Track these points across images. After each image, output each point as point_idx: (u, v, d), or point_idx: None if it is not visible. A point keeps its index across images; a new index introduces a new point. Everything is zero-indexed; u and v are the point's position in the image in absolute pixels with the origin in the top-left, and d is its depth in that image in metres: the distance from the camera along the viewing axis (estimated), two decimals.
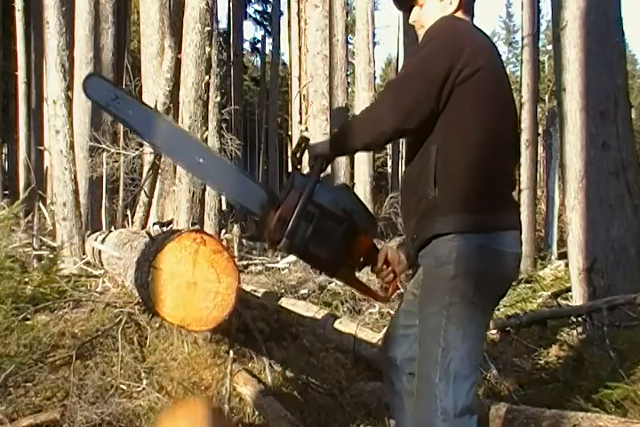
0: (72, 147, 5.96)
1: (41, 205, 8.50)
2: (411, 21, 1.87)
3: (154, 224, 7.21)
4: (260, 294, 4.92)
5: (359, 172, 12.04)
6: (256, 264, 9.23)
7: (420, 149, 1.70)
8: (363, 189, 12.01)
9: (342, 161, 9.09)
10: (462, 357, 1.63)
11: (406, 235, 1.80)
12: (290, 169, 1.87)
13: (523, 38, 12.95)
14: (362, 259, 1.86)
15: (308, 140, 1.82)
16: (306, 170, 1.80)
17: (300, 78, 11.11)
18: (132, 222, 7.40)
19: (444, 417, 1.63)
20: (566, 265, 6.27)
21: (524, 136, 12.38)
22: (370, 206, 11.75)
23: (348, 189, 1.94)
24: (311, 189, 1.71)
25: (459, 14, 1.78)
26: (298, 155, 1.82)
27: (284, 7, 22.93)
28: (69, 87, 6.21)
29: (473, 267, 1.61)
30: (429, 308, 1.66)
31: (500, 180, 1.68)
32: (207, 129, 5.43)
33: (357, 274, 1.94)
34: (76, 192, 5.95)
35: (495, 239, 1.62)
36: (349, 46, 15.87)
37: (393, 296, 1.96)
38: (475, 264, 1.61)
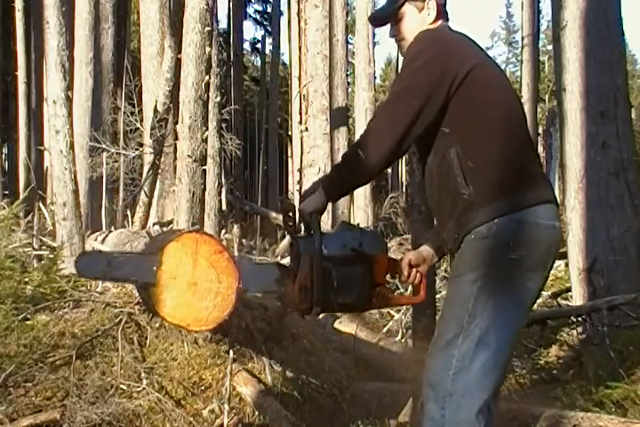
0: (72, 147, 5.94)
1: (41, 205, 8.50)
2: (390, 36, 1.90)
3: (154, 224, 7.22)
4: (260, 294, 4.91)
5: None
6: None
7: (437, 158, 1.72)
8: (363, 189, 12.00)
9: None
10: (488, 326, 1.60)
11: (447, 236, 1.79)
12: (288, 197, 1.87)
13: (523, 38, 12.98)
14: (387, 277, 1.86)
15: (293, 205, 1.82)
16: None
17: (299, 78, 11.10)
18: (132, 222, 7.41)
19: (454, 377, 1.59)
20: (566, 265, 6.26)
21: None
22: (370, 206, 11.75)
23: (347, 224, 1.95)
24: (319, 249, 1.72)
25: (439, 22, 1.83)
26: (290, 223, 1.81)
27: (284, 7, 22.97)
28: (69, 87, 6.20)
29: (511, 240, 1.63)
30: (464, 276, 1.66)
31: (524, 159, 1.72)
32: (207, 129, 5.42)
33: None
34: (75, 192, 5.93)
35: (531, 213, 1.65)
36: (349, 46, 15.87)
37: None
38: (513, 237, 1.63)
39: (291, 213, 1.80)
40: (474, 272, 1.64)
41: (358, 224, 10.73)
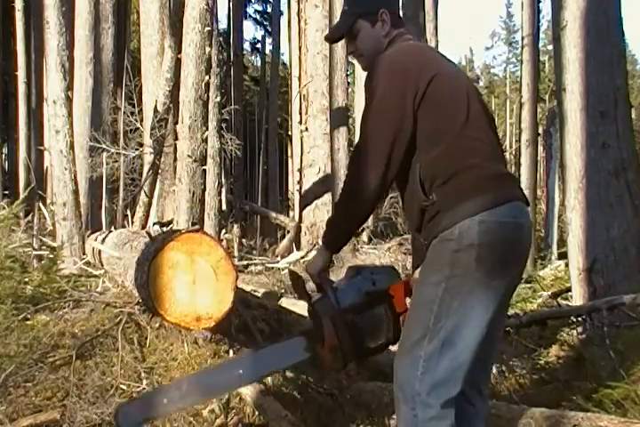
0: (72, 147, 5.95)
1: (41, 205, 8.51)
2: (349, 53, 1.94)
3: (154, 224, 7.22)
4: (259, 294, 4.92)
5: None
6: (256, 264, 9.25)
7: (409, 172, 1.76)
8: None
9: (342, 160, 9.09)
10: (454, 327, 1.63)
11: (422, 246, 1.81)
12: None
13: (523, 38, 12.96)
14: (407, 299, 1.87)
15: (297, 274, 1.86)
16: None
17: (299, 78, 11.12)
18: (132, 222, 7.41)
19: (422, 377, 1.62)
20: (566, 265, 6.27)
21: (524, 136, 12.38)
22: None
23: (355, 268, 1.94)
24: (336, 307, 1.75)
25: (394, 32, 1.86)
26: (300, 291, 1.85)
27: (284, 7, 22.96)
28: (69, 87, 6.21)
29: (475, 240, 1.64)
30: (429, 277, 1.68)
31: (485, 163, 1.73)
32: (207, 129, 5.42)
33: None
34: (75, 192, 5.94)
35: (495, 214, 1.66)
36: None
37: None
38: (476, 238, 1.64)
39: (299, 281, 1.84)
40: (438, 274, 1.66)
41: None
